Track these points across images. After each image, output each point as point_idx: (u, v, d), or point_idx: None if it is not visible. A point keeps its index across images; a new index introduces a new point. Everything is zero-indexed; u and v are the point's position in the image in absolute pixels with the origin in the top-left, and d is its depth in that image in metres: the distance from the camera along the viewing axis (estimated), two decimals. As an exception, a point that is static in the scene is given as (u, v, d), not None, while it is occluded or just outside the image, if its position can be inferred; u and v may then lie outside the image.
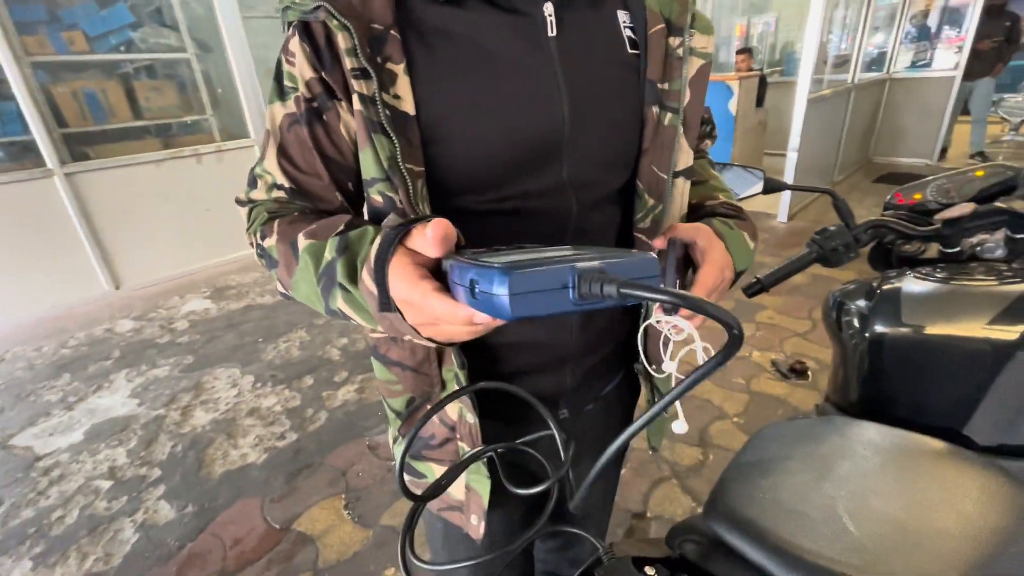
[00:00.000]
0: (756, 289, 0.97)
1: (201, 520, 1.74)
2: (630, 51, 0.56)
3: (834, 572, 0.47)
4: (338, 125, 0.52)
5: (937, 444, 0.64)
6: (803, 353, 2.50)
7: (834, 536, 0.51)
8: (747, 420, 2.08)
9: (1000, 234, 0.96)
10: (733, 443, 1.96)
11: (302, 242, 0.48)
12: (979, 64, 5.20)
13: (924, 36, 5.84)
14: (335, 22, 0.46)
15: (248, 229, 0.58)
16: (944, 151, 5.46)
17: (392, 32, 0.48)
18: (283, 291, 0.54)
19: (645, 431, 0.63)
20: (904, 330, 0.82)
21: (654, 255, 0.32)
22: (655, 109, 0.56)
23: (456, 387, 0.57)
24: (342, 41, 0.46)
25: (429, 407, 0.58)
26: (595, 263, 0.29)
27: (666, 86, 0.55)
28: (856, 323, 0.89)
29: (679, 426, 0.44)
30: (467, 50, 0.49)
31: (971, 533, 0.50)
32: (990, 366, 0.72)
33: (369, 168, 0.50)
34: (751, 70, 4.73)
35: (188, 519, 1.75)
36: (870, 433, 0.67)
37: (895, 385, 0.84)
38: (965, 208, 0.96)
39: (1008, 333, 0.73)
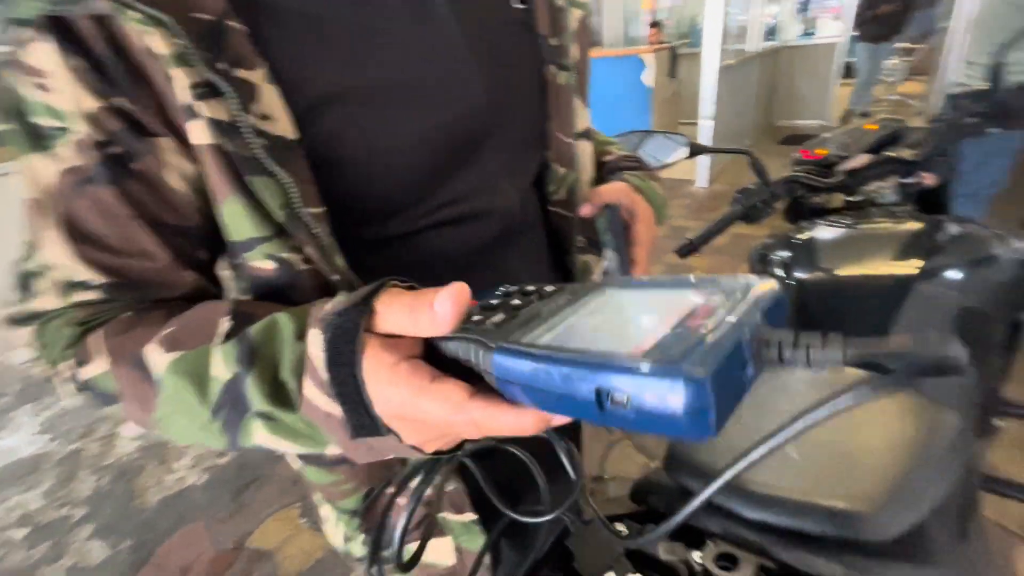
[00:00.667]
0: (688, 249, 1.02)
1: (140, 554, 1.61)
2: (516, 4, 0.47)
3: (785, 499, 0.52)
4: (163, 174, 0.35)
5: (860, 373, 0.71)
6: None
7: (781, 466, 0.55)
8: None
9: (892, 181, 1.06)
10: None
11: (159, 358, 0.32)
12: (878, 28, 5.60)
13: (805, 8, 6.30)
14: (137, 15, 0.30)
15: (45, 359, 0.38)
16: (848, 112, 5.92)
17: (231, 24, 0.32)
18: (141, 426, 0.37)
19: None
20: (820, 274, 0.89)
21: (770, 282, 0.23)
22: (552, 68, 0.49)
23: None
24: (156, 44, 0.31)
25: (393, 491, 0.42)
26: (741, 316, 0.20)
27: (555, 41, 0.49)
28: (779, 271, 0.96)
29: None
30: (343, 33, 0.37)
31: (895, 447, 0.56)
32: (894, 298, 0.80)
33: (241, 226, 0.36)
34: (662, 43, 4.90)
35: (125, 554, 1.61)
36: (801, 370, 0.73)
37: (818, 325, 0.91)
38: (862, 159, 1.06)
39: (906, 268, 0.82)
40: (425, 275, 0.32)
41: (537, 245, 0.57)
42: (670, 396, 0.17)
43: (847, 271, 0.87)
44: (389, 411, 0.27)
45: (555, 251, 0.59)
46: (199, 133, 0.33)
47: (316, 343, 0.28)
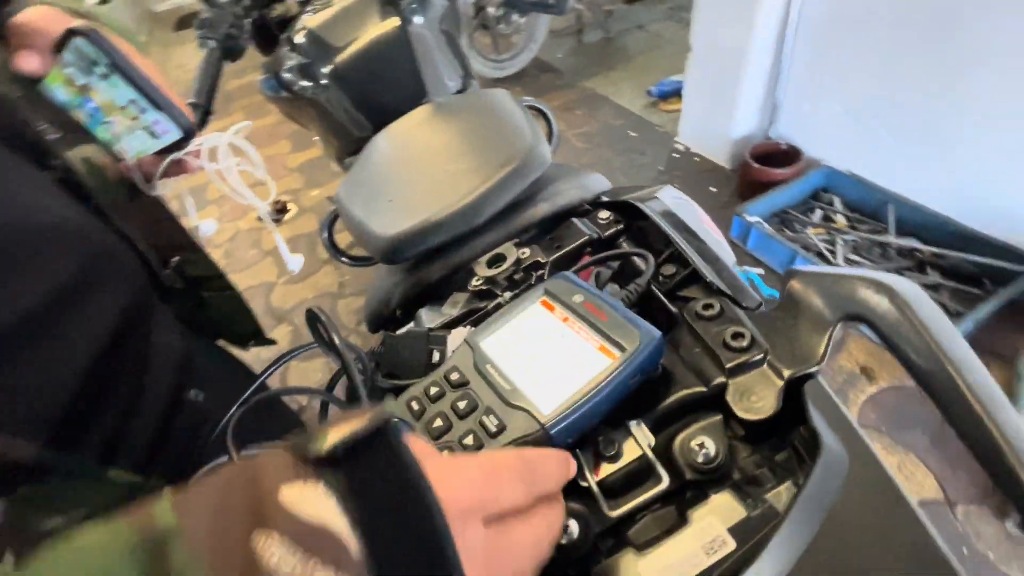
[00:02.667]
0: (204, 115, 0.86)
1: None
2: None
3: (430, 220, 0.59)
4: None
5: (426, 108, 0.83)
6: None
7: (430, 197, 0.61)
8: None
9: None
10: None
11: None
12: None
13: None
14: None
15: None
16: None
17: None
18: None
19: None
20: (343, 55, 0.91)
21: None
22: None
23: None
24: None
25: None
26: None
27: None
28: (307, 82, 0.93)
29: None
30: None
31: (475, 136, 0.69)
32: (404, 47, 0.91)
33: None
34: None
35: None
36: (408, 122, 0.80)
37: (364, 103, 0.97)
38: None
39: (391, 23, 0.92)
40: None
41: None
42: None
43: (345, 40, 0.92)
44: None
45: None
46: None
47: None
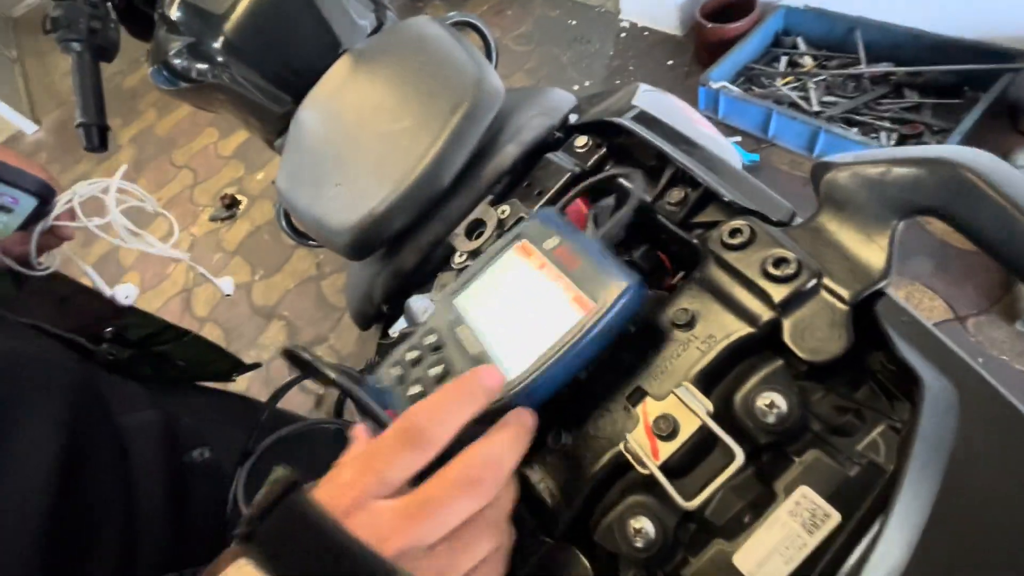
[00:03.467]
0: (97, 134, 0.74)
1: None
2: None
3: (387, 202, 0.52)
4: None
5: (344, 61, 0.71)
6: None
7: (380, 171, 0.53)
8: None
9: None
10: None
11: None
12: None
13: None
14: None
15: None
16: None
17: None
18: None
19: None
20: (228, 24, 0.78)
21: None
22: None
23: None
24: None
25: None
26: None
27: None
28: (199, 64, 0.80)
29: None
30: None
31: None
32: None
33: None
34: None
35: None
36: (329, 84, 0.71)
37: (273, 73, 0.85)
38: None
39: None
40: None
41: None
42: None
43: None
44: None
45: None
46: None
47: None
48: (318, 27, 0.80)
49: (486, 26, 0.86)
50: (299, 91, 0.77)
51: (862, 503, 0.23)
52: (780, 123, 1.58)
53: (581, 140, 0.47)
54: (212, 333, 1.96)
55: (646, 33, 2.12)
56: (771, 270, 0.30)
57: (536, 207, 0.45)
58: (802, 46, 1.76)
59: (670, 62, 1.99)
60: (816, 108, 1.61)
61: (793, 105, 1.63)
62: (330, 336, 1.80)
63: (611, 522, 0.29)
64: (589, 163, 0.45)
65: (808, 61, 1.73)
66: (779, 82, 1.71)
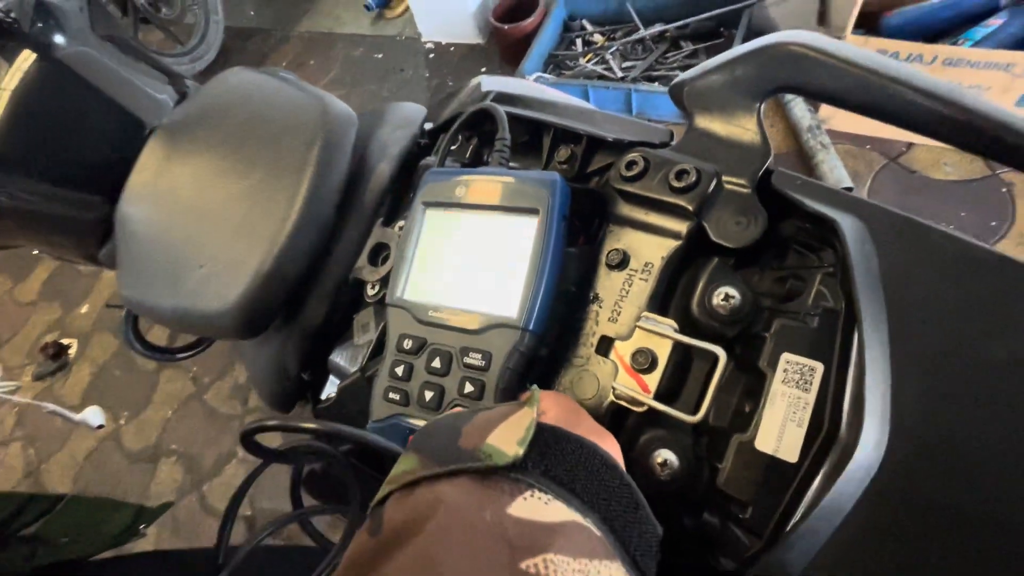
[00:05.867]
0: None
1: None
2: None
3: (272, 259, 0.48)
4: None
5: (157, 140, 0.63)
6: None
7: (249, 233, 0.48)
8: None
9: None
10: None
11: None
12: None
13: None
14: None
15: None
16: None
17: None
18: None
19: None
20: None
21: None
22: None
23: None
24: None
25: None
26: None
27: None
28: None
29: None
30: None
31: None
32: (66, 81, 0.66)
33: None
34: None
35: None
36: (148, 168, 0.62)
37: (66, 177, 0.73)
38: None
39: None
40: None
41: None
42: None
43: None
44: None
45: None
46: None
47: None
48: (109, 113, 0.70)
49: (295, 78, 0.83)
50: (111, 188, 0.67)
51: (834, 343, 0.25)
52: (597, 95, 1.73)
53: (452, 138, 0.46)
54: (86, 505, 1.62)
55: (452, 48, 2.20)
56: (675, 183, 0.32)
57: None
58: (588, 26, 1.96)
59: (483, 68, 2.09)
60: (620, 75, 1.80)
61: (601, 77, 1.80)
62: (237, 450, 1.59)
63: (632, 469, 0.29)
64: (467, 156, 0.45)
65: (598, 38, 1.92)
66: (582, 61, 1.88)
